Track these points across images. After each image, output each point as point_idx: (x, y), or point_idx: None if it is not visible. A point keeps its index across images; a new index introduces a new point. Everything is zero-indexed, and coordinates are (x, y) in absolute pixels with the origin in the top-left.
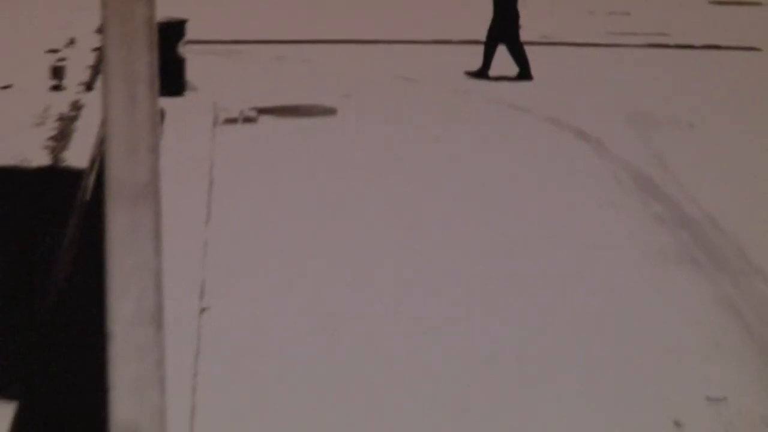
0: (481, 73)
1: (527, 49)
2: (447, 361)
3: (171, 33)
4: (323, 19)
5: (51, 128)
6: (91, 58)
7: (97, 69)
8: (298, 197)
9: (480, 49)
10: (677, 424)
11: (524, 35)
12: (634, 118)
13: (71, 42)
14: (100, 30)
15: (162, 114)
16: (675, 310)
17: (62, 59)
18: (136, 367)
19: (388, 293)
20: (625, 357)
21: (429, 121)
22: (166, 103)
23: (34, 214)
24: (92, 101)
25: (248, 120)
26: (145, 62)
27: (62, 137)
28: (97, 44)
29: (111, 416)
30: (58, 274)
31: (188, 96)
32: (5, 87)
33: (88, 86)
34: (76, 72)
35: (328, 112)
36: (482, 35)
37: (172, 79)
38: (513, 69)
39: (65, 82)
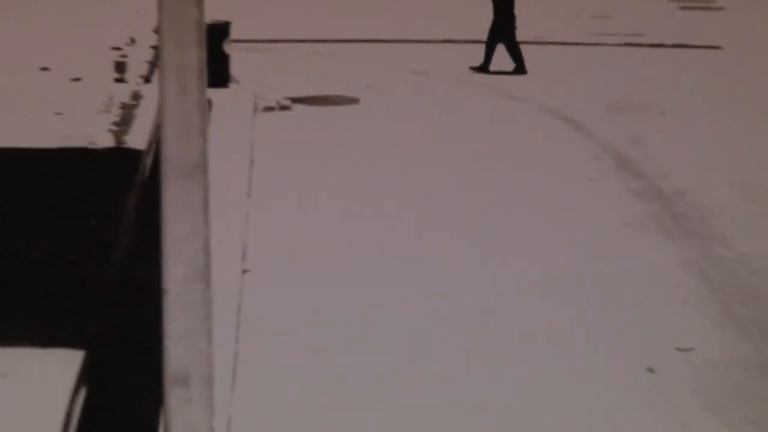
0: (483, 68)
1: (522, 47)
2: (450, 310)
3: (217, 33)
4: (349, 22)
5: (115, 115)
6: (149, 55)
7: (154, 64)
8: (327, 173)
9: (482, 48)
10: (650, 370)
11: (519, 35)
12: (614, 106)
13: (132, 41)
14: (157, 30)
15: (209, 103)
16: (647, 271)
17: (124, 56)
18: (187, 320)
19: (408, 251)
20: (604, 312)
21: (437, 108)
22: (213, 93)
23: (101, 189)
24: (150, 92)
25: (283, 108)
26: (194, 58)
27: (124, 123)
28: (154, 43)
29: (165, 363)
30: (122, 240)
31: (232, 87)
32: (75, 79)
33: (147, 79)
34: (136, 66)
35: (352, 101)
36: (484, 35)
37: (218, 72)
38: (510, 64)
39: (127, 75)
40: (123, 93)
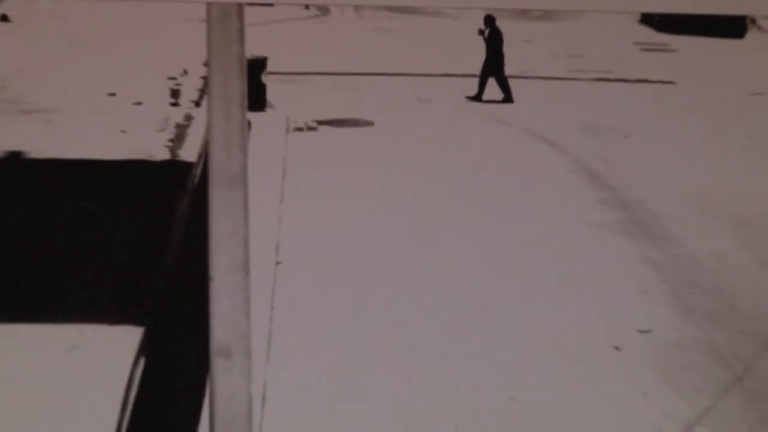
0: (477, 98)
1: (510, 80)
2: (447, 286)
3: (256, 66)
4: (365, 58)
5: (170, 133)
6: (198, 84)
7: (203, 91)
8: (347, 182)
9: (476, 80)
10: (616, 348)
11: (507, 71)
12: (585, 130)
13: (185, 72)
14: (206, 63)
15: (249, 124)
16: (613, 266)
17: (178, 84)
18: (229, 303)
19: (414, 241)
20: (576, 301)
21: (436, 129)
22: (252, 116)
23: (158, 194)
24: (199, 114)
25: (310, 129)
26: (237, 87)
27: (178, 140)
28: (203, 74)
29: (210, 338)
30: (175, 235)
31: (268, 111)
32: (137, 103)
33: (197, 103)
34: (188, 93)
35: (368, 123)
36: (478, 70)
37: (256, 99)
38: (499, 95)
39: (180, 100)
40: (177, 115)
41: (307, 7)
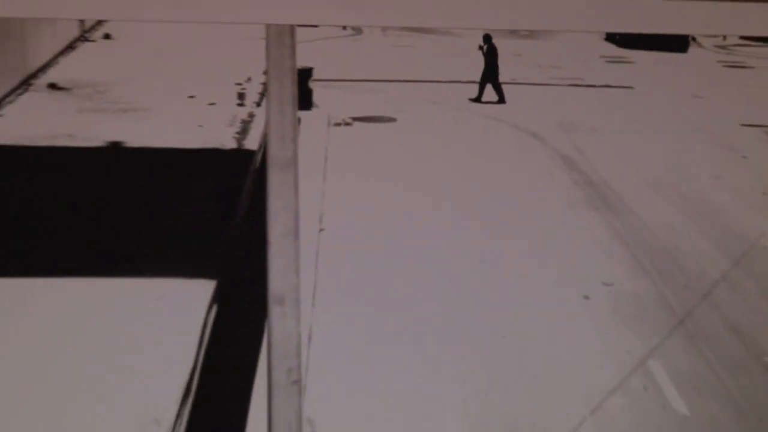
0: (477, 99)
1: (503, 86)
2: (447, 232)
3: (304, 75)
4: (389, 68)
5: (237, 127)
6: (259, 88)
7: (262, 94)
8: (376, 165)
9: (476, 86)
10: (586, 297)
11: (501, 78)
12: (562, 125)
13: (249, 79)
14: (265, 72)
15: (298, 120)
16: (583, 234)
17: (243, 89)
18: (282, 262)
19: (424, 202)
20: (555, 260)
21: (445, 124)
22: (301, 114)
23: (228, 175)
24: (260, 112)
25: (347, 124)
26: (289, 91)
27: (243, 132)
28: (263, 80)
29: (268, 290)
30: (241, 208)
31: (313, 110)
32: (211, 104)
33: (258, 104)
34: (251, 96)
35: (391, 119)
36: (477, 77)
37: (304, 100)
38: (495, 97)
39: (245, 101)
40: (242, 113)
41: (344, 27)
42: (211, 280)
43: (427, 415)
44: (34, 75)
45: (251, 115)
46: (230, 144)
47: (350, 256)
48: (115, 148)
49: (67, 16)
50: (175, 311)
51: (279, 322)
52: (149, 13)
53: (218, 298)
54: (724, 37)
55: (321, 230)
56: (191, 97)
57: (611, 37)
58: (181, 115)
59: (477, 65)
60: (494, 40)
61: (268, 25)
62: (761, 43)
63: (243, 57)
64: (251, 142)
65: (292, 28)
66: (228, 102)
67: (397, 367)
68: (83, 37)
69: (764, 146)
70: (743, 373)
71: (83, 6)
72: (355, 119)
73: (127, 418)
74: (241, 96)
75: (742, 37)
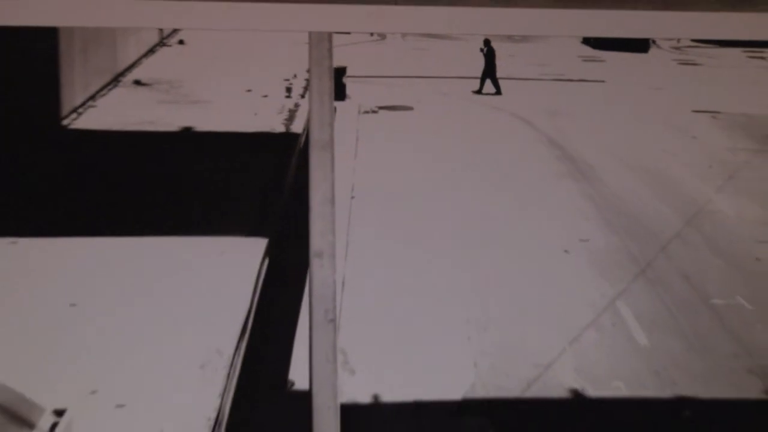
0: (478, 92)
1: (500, 80)
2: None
3: (340, 72)
4: (408, 66)
5: (285, 115)
6: (303, 83)
7: (306, 88)
8: (397, 144)
9: (478, 81)
10: (566, 251)
11: (498, 74)
12: (548, 112)
13: (295, 76)
14: (308, 70)
15: (335, 108)
16: (564, 199)
17: (290, 84)
18: (322, 223)
19: (435, 172)
20: (539, 221)
21: (453, 111)
22: (337, 104)
23: (278, 154)
24: (304, 103)
25: (373, 112)
26: (327, 85)
27: (290, 119)
28: (306, 77)
29: (310, 245)
30: (288, 180)
31: (347, 101)
32: (265, 96)
33: (302, 96)
34: (297, 89)
35: (409, 108)
36: (479, 74)
37: (339, 93)
38: (493, 90)
39: (292, 94)
40: (289, 103)
41: (371, 34)
42: (263, 238)
43: (439, 347)
44: (122, 74)
45: (296, 105)
46: (279, 128)
47: (375, 219)
48: (187, 131)
49: (144, 25)
50: (234, 264)
51: (318, 272)
52: (215, 22)
53: (269, 253)
54: (678, 40)
55: (352, 198)
56: (248, 90)
57: (587, 41)
58: (239, 105)
59: (478, 64)
60: (492, 44)
61: (310, 33)
62: (708, 45)
63: (290, 59)
64: (296, 127)
65: (329, 35)
66: (278, 95)
67: (413, 307)
68: (162, 42)
69: (710, 128)
70: (692, 312)
71: (157, 15)
72: (381, 108)
73: (196, 349)
74: (288, 90)
75: (693, 40)
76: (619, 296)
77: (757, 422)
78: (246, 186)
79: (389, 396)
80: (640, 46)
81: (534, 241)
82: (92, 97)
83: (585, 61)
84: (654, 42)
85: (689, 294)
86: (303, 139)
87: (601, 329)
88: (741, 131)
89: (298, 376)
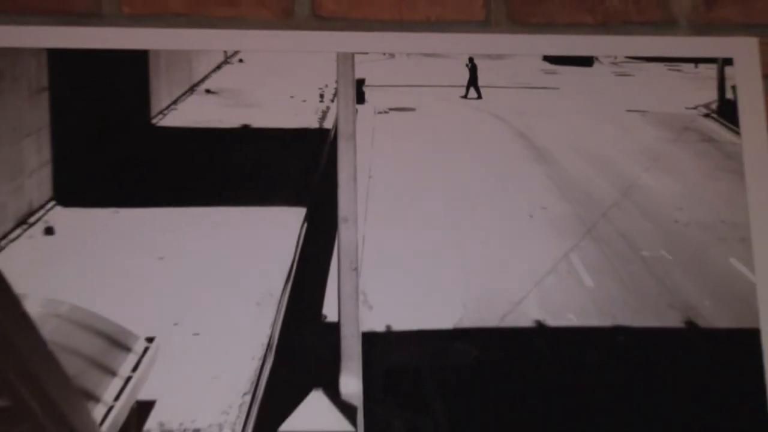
0: (464, 97)
1: (481, 88)
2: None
3: (360, 82)
4: (410, 77)
5: (319, 114)
6: (333, 91)
7: (335, 94)
8: (403, 135)
9: (464, 88)
10: (531, 216)
11: (480, 83)
12: (517, 112)
13: (326, 85)
14: (336, 81)
15: (356, 110)
16: (529, 177)
17: (323, 91)
18: (347, 196)
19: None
20: (509, 192)
21: (445, 112)
22: (358, 106)
23: (314, 144)
24: (333, 106)
25: (385, 112)
26: (351, 92)
27: (323, 118)
28: (335, 86)
29: (338, 212)
30: (322, 164)
31: (365, 104)
32: (303, 101)
33: (332, 100)
34: (328, 96)
35: (413, 109)
36: (465, 83)
37: (360, 98)
38: (475, 95)
39: (324, 99)
40: (322, 106)
41: (384, 54)
42: (303, 207)
43: (435, 290)
44: (196, 85)
45: (327, 108)
46: (315, 125)
47: (388, 192)
48: (246, 127)
49: (211, 48)
50: (281, 227)
51: (344, 233)
52: (254, 44)
53: (308, 218)
54: (615, 57)
55: (369, 177)
56: (291, 97)
57: (546, 58)
58: (284, 107)
59: (464, 75)
60: (475, 60)
61: (338, 53)
62: (638, 60)
63: (322, 73)
64: (328, 124)
65: (352, 54)
66: (313, 100)
67: (414, 259)
68: (226, 61)
69: (640, 123)
70: (627, 262)
71: (222, 40)
72: (391, 109)
73: (254, 291)
74: (321, 96)
75: (627, 57)
76: (572, 250)
77: (675, 344)
78: (289, 168)
79: (398, 326)
80: (586, 61)
81: (506, 208)
82: (174, 102)
83: (545, 73)
84: (597, 59)
85: (624, 248)
86: (333, 132)
87: (558, 275)
88: (663, 125)
89: (329, 311)
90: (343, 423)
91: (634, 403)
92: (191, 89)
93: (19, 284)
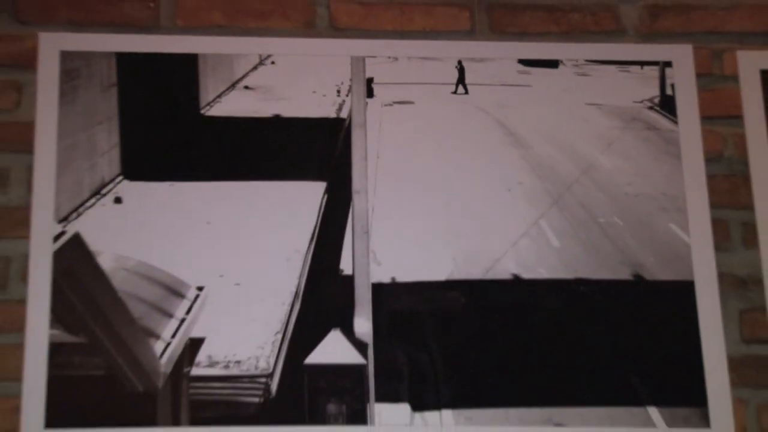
0: (454, 93)
1: (468, 85)
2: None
3: (369, 80)
4: (411, 77)
5: (336, 106)
6: (348, 87)
7: (349, 90)
8: (404, 122)
9: (454, 85)
10: (509, 189)
11: (467, 81)
12: (499, 104)
13: (342, 83)
14: (351, 79)
15: (366, 102)
16: (507, 158)
17: (339, 88)
18: (359, 171)
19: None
20: (490, 170)
21: (438, 104)
22: (368, 100)
23: (331, 131)
24: (348, 100)
25: (390, 104)
26: (362, 88)
27: (339, 109)
28: (349, 84)
29: (352, 185)
30: (339, 145)
31: (374, 98)
32: (324, 95)
33: (347, 95)
34: (344, 91)
35: (412, 102)
36: (454, 80)
37: (369, 92)
38: (462, 91)
39: (341, 94)
40: (339, 100)
41: (389, 57)
42: (322, 182)
43: (431, 249)
44: (237, 82)
45: (343, 101)
46: (333, 115)
47: (393, 170)
48: (277, 117)
49: (247, 52)
50: (306, 197)
51: (358, 203)
52: (283, 49)
53: (327, 190)
54: (577, 60)
55: (378, 157)
56: (314, 92)
57: (521, 60)
58: (308, 101)
59: (454, 75)
60: (463, 63)
61: (351, 56)
62: (594, 63)
63: (339, 72)
64: (343, 114)
65: (363, 58)
66: (331, 94)
67: (413, 223)
68: (261, 62)
69: (597, 114)
70: (586, 227)
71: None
72: (394, 102)
73: (284, 248)
74: (338, 91)
75: (586, 60)
76: (541, 217)
77: (626, 293)
78: (312, 149)
79: (401, 278)
80: (552, 64)
81: (488, 183)
82: (218, 96)
83: (520, 73)
84: (561, 61)
85: (584, 215)
86: (347, 121)
87: (530, 237)
88: (615, 116)
89: (345, 266)
90: (356, 356)
91: (591, 339)
92: (232, 86)
93: (94, 243)
